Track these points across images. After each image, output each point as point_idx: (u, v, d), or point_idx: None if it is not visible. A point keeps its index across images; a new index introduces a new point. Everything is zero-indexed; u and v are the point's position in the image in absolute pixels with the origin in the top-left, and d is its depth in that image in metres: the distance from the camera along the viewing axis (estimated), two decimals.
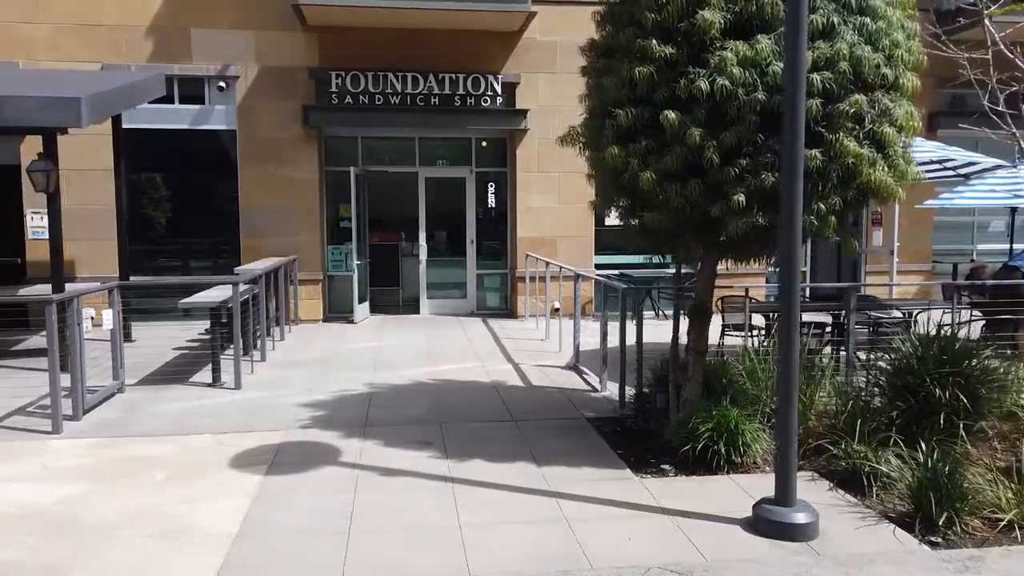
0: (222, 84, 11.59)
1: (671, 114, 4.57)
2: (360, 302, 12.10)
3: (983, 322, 8.18)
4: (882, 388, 5.37)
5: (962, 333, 5.77)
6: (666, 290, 12.30)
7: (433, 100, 11.92)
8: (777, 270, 5.69)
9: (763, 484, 4.79)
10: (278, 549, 3.91)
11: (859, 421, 4.91)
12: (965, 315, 8.48)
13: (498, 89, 12.07)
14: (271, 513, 4.37)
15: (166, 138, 11.68)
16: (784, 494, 4.10)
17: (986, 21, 6.20)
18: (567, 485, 4.81)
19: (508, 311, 12.86)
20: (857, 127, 4.52)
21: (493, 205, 12.89)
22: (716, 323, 6.61)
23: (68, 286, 7.94)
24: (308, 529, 4.16)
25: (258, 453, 5.44)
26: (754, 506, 4.21)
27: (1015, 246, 10.13)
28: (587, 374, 7.83)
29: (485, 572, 3.67)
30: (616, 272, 11.94)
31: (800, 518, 4.04)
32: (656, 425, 5.94)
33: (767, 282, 13.12)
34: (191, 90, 11.68)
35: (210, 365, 8.40)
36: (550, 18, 11.96)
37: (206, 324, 10.90)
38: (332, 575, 3.64)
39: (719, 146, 4.54)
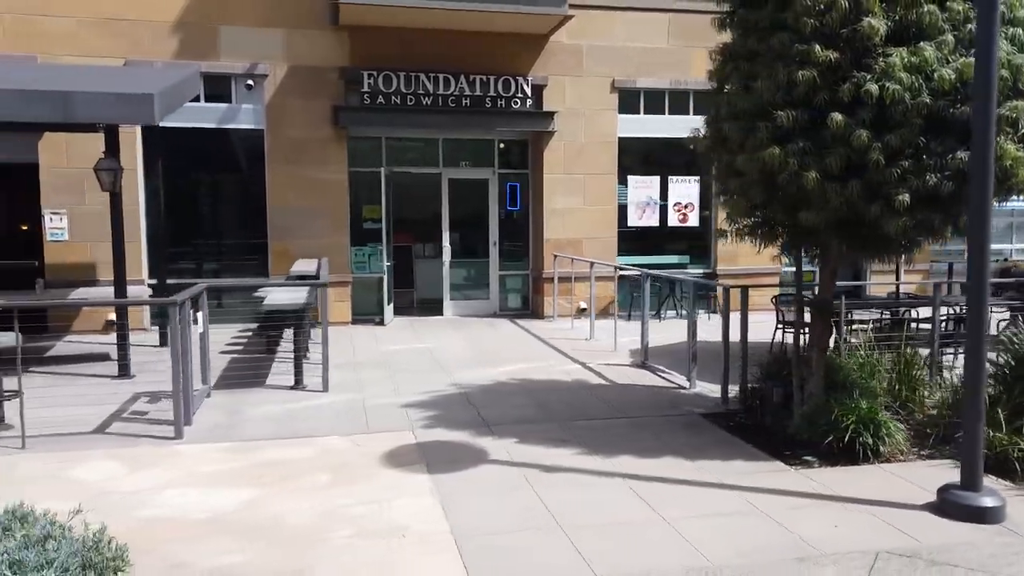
0: (250, 83, 11.32)
1: (838, 116, 4.74)
2: (388, 303, 11.99)
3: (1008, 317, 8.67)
4: (1000, 378, 5.64)
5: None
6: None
7: (464, 101, 11.90)
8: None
9: (915, 471, 5.02)
10: (507, 547, 3.91)
11: (998, 409, 5.17)
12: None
13: (527, 91, 12.13)
14: (468, 512, 4.35)
15: (191, 137, 11.33)
16: (972, 480, 4.30)
17: None
18: (732, 477, 4.92)
19: (531, 312, 12.91)
20: (1011, 130, 4.78)
21: (515, 207, 12.94)
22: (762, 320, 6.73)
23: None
24: (520, 527, 4.16)
25: (402, 453, 5.38)
26: (939, 491, 4.41)
27: None
28: (665, 372, 7.96)
29: (724, 563, 3.75)
30: (639, 272, 12.11)
31: (989, 502, 4.25)
32: (772, 419, 6.10)
33: (780, 283, 13.48)
34: (218, 88, 11.38)
35: (275, 367, 8.30)
36: (576, 21, 12.05)
37: (239, 326, 10.72)
38: (585, 572, 3.67)
39: (883, 148, 4.73)
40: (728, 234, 6.01)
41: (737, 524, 4.21)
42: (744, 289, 6.68)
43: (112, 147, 7.85)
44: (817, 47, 4.83)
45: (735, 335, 6.72)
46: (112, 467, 5.07)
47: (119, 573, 3.44)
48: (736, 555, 3.83)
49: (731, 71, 5.55)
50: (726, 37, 5.84)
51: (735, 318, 6.73)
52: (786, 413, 6.00)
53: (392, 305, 12.33)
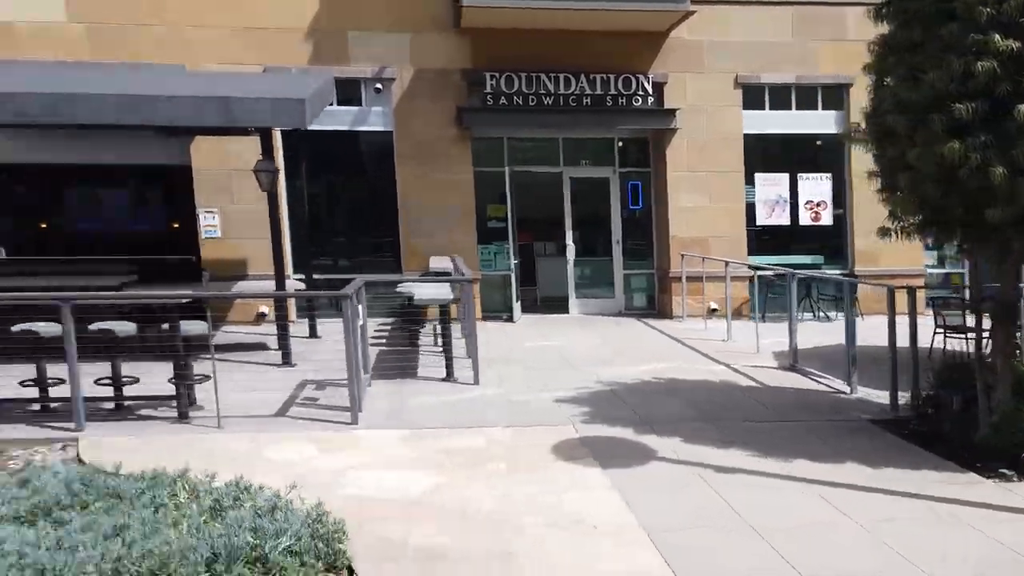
0: (379, 86, 11.64)
1: None
2: (516, 301, 12.14)
3: None
4: None
5: None
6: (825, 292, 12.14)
7: (585, 100, 11.89)
8: None
9: None
10: (701, 544, 3.90)
11: None
12: None
13: (648, 89, 12.01)
14: (652, 508, 4.35)
15: (325, 139, 11.70)
16: None
17: None
18: (924, 486, 4.73)
19: (657, 312, 12.74)
20: None
21: (637, 205, 12.85)
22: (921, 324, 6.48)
23: (290, 282, 8.04)
24: (708, 525, 4.15)
25: (568, 447, 5.44)
26: None
27: None
28: (818, 376, 7.71)
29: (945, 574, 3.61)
30: (780, 272, 11.71)
31: None
32: (951, 427, 5.80)
33: (925, 285, 12.75)
34: (348, 92, 11.72)
35: (421, 359, 8.54)
36: (697, 17, 11.77)
37: (376, 320, 11.05)
38: (790, 573, 3.62)
39: None
40: (892, 232, 5.78)
41: (942, 534, 4.05)
42: (911, 290, 6.40)
43: (268, 150, 8.25)
44: (996, 36, 4.60)
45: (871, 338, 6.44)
46: (304, 448, 5.33)
47: (340, 545, 3.64)
48: (958, 567, 3.67)
49: (893, 63, 5.33)
50: (882, 29, 5.62)
51: (879, 320, 6.45)
52: (966, 421, 5.71)
53: (519, 303, 12.47)
